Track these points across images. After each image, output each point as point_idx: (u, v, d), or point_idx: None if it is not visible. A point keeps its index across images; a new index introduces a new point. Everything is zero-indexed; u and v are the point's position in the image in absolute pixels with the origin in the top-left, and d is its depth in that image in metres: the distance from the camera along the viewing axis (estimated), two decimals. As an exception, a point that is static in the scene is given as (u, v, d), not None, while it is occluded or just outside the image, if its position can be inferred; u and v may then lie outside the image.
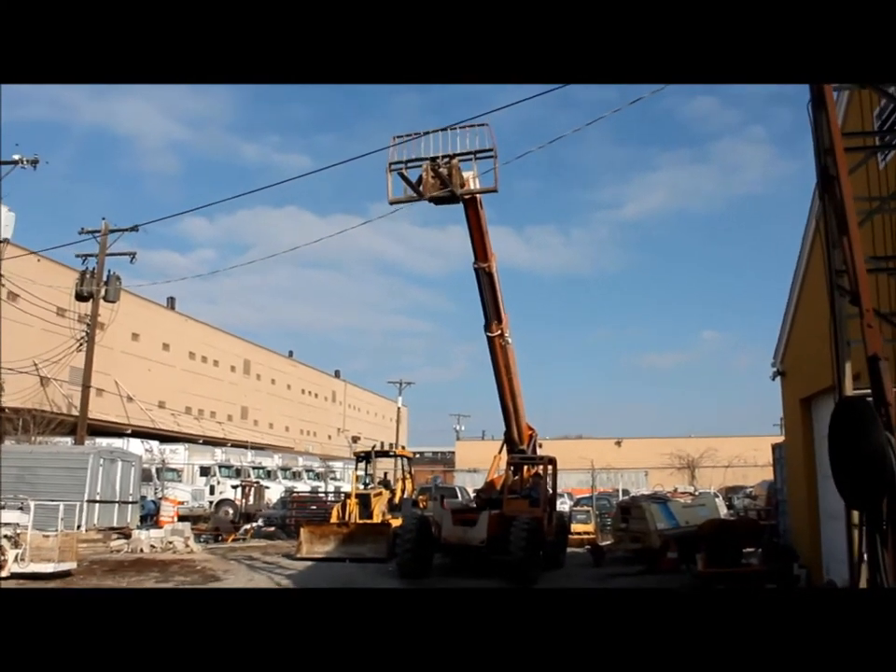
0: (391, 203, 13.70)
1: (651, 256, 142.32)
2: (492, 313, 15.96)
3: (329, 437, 75.26)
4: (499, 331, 16.14)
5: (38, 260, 38.85)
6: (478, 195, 14.35)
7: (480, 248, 15.20)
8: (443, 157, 13.23)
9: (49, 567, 13.82)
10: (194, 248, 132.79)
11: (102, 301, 28.86)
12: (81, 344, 29.11)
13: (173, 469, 32.64)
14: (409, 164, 13.44)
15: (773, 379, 14.51)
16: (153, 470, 30.77)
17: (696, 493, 24.53)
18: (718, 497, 27.03)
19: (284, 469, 39.81)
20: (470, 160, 13.35)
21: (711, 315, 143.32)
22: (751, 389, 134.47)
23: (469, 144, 13.13)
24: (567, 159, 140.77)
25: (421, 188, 13.38)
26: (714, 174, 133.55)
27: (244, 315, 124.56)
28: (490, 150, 13.08)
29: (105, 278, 28.74)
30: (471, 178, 13.68)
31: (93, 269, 28.86)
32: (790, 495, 14.26)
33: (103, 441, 30.87)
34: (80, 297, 28.78)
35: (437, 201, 13.60)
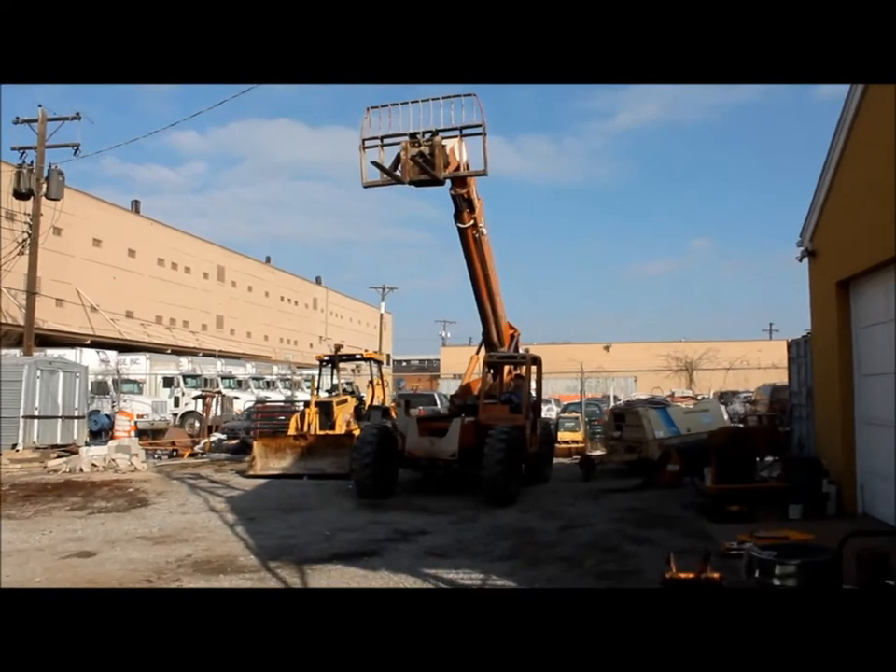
0: (365, 187, 12.10)
1: (643, 165, 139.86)
2: (462, 201, 13.38)
3: (311, 345, 73.00)
4: (472, 221, 13.59)
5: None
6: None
7: (459, 182, 13.04)
8: (424, 133, 11.74)
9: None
10: (185, 162, 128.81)
11: (52, 202, 26.09)
12: (24, 247, 26.29)
13: (132, 381, 30.31)
14: (385, 141, 11.87)
15: (800, 260, 12.11)
16: (109, 382, 28.48)
17: (698, 397, 22.38)
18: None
19: (256, 379, 37.67)
20: (456, 135, 11.82)
21: (702, 223, 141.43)
22: (741, 297, 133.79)
23: (454, 117, 11.67)
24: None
25: (400, 167, 11.83)
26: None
27: (236, 227, 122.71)
28: (478, 126, 11.59)
29: (45, 173, 25.89)
30: (456, 149, 11.97)
31: (31, 163, 25.92)
32: (817, 397, 12.06)
33: (53, 353, 28.44)
34: (19, 194, 25.86)
35: (418, 182, 12.07)
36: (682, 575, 5.31)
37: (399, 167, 11.93)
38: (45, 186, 25.73)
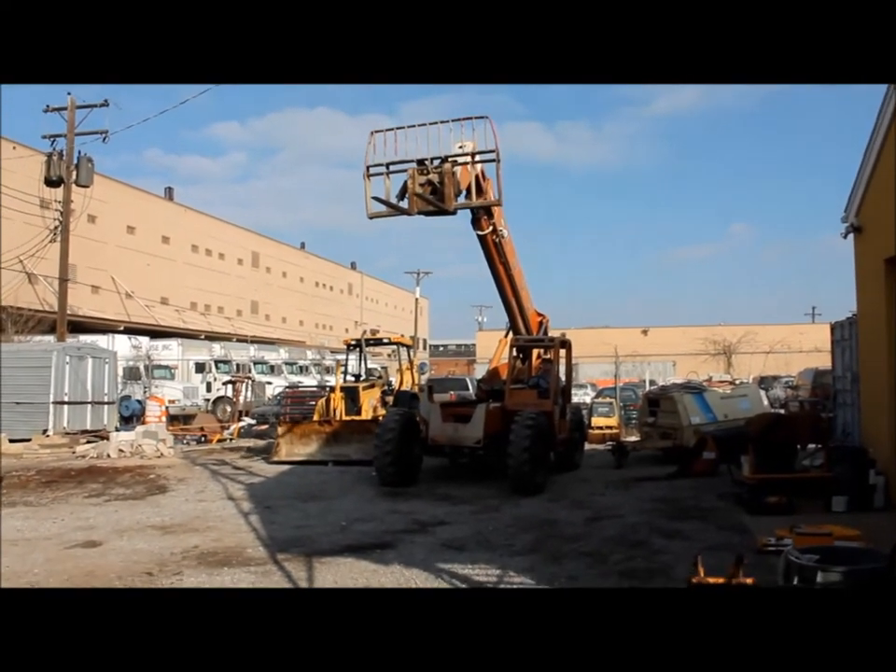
0: (370, 218, 11.43)
1: (680, 149, 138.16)
2: (479, 208, 12.73)
3: (347, 330, 72.89)
4: (491, 227, 12.95)
5: (14, 148, 35.79)
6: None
7: (476, 189, 12.27)
8: (433, 159, 11.19)
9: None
10: (225, 152, 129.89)
11: (84, 190, 26.15)
12: (55, 234, 26.39)
13: (164, 367, 30.32)
14: (391, 168, 11.27)
15: (844, 237, 11.37)
16: (141, 368, 28.52)
17: (736, 382, 21.56)
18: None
19: (290, 364, 37.53)
20: (466, 162, 11.37)
21: (740, 207, 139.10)
22: (782, 280, 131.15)
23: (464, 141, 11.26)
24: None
25: (407, 196, 11.27)
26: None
27: (273, 216, 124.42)
28: (492, 151, 11.03)
29: (75, 160, 25.93)
30: (469, 165, 11.45)
31: (62, 151, 25.97)
32: (863, 382, 11.35)
33: (87, 339, 28.56)
34: (50, 182, 25.95)
35: (427, 213, 11.51)
36: (711, 580, 4.79)
37: (407, 197, 11.35)
38: (74, 173, 25.79)
